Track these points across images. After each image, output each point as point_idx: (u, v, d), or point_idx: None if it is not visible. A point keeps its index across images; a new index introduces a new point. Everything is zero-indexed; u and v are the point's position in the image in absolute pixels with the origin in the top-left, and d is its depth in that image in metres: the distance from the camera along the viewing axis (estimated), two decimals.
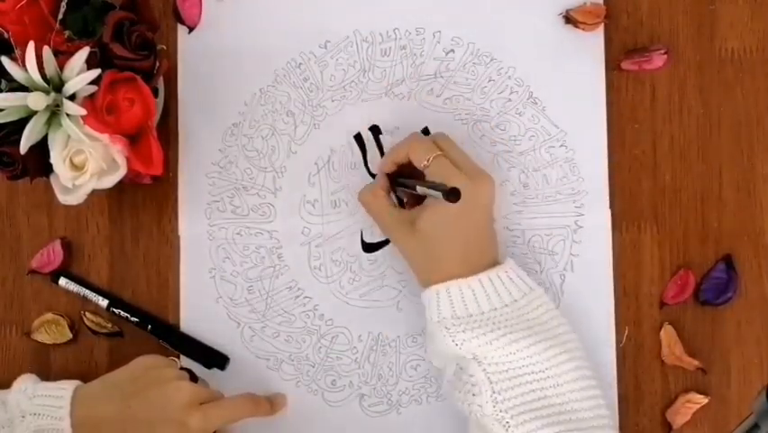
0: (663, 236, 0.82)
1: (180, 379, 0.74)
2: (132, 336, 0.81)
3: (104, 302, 0.81)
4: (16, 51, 0.70)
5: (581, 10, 0.82)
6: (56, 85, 0.70)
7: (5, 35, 0.70)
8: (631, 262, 0.82)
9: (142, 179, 0.78)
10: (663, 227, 0.82)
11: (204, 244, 0.82)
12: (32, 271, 0.82)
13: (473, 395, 0.72)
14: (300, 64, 0.83)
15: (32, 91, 0.69)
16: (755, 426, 0.54)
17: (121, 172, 0.72)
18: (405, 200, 0.81)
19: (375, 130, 0.83)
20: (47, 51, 0.69)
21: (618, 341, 0.81)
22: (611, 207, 0.82)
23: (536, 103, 0.83)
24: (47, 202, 0.82)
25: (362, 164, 0.83)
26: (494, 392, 0.72)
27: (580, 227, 0.82)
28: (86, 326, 0.82)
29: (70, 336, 0.81)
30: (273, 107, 0.83)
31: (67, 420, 0.72)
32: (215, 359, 0.81)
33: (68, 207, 0.78)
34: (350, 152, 0.83)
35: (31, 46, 0.68)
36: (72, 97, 0.70)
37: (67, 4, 0.71)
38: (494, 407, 0.71)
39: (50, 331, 0.82)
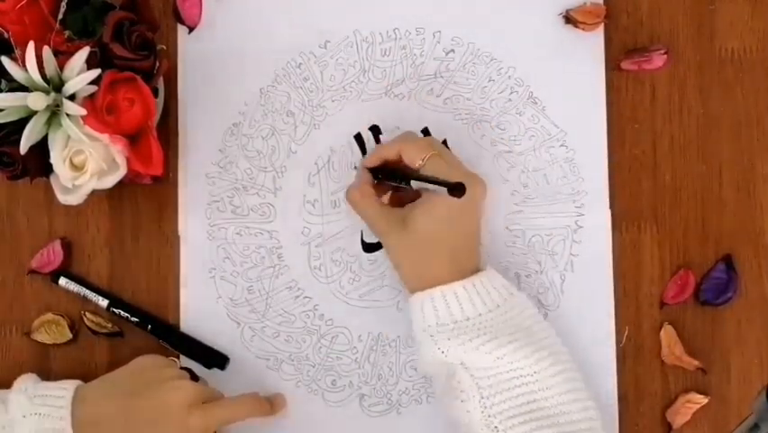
0: (663, 236, 0.82)
1: (181, 378, 0.74)
2: (132, 336, 0.81)
3: (104, 302, 0.81)
4: (16, 51, 0.70)
5: (581, 10, 0.82)
6: (56, 85, 0.70)
7: (5, 35, 0.70)
8: (631, 262, 0.82)
9: (142, 180, 0.78)
10: (663, 227, 0.82)
11: (204, 244, 0.82)
12: (32, 272, 0.82)
13: (462, 401, 0.72)
14: (300, 64, 0.83)
15: (32, 91, 0.69)
16: (755, 426, 0.55)
17: (121, 172, 0.72)
18: (387, 199, 0.79)
19: (375, 130, 0.83)
20: (47, 51, 0.69)
21: (618, 341, 0.81)
22: (611, 207, 0.82)
23: (536, 103, 0.83)
24: (47, 202, 0.82)
25: None
26: (482, 397, 0.72)
27: (581, 227, 0.82)
28: (87, 326, 0.82)
29: (70, 336, 0.81)
30: (273, 107, 0.83)
31: (67, 420, 0.72)
32: (215, 359, 0.81)
33: (68, 207, 0.78)
34: (350, 152, 0.83)
35: (31, 46, 0.68)
36: (72, 97, 0.70)
37: (67, 4, 0.71)
38: (482, 412, 0.71)
39: (50, 331, 0.81)
